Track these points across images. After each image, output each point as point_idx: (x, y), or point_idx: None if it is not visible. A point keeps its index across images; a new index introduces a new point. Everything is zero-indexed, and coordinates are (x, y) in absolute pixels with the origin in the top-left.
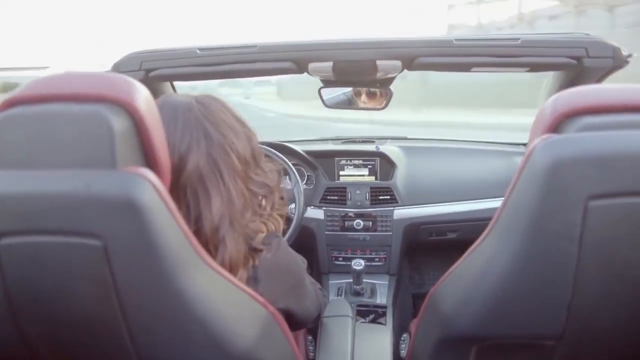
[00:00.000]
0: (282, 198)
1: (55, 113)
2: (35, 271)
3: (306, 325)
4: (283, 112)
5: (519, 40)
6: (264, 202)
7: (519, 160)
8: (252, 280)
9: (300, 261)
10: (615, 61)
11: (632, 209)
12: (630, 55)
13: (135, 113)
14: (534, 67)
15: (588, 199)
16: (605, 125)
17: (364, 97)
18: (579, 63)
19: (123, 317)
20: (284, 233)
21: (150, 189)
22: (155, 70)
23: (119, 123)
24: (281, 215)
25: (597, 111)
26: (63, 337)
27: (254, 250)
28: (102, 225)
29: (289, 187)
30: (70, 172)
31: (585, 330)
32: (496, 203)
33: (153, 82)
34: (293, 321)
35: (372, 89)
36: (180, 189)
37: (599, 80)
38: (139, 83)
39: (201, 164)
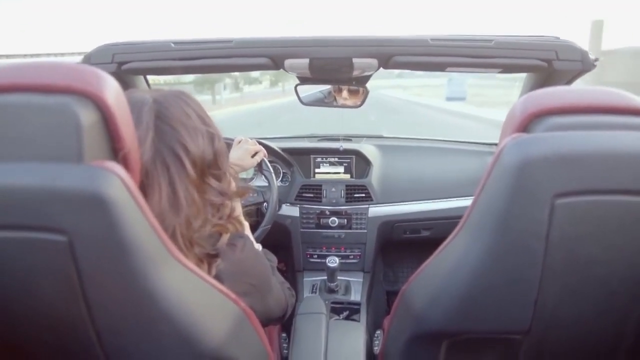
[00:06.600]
0: (243, 197)
1: (20, 103)
2: None
3: (266, 325)
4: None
5: (493, 42)
6: (221, 211)
7: (490, 159)
8: (215, 281)
9: (267, 261)
10: (583, 64)
11: (595, 207)
12: (597, 59)
13: (104, 106)
14: (507, 69)
15: (554, 197)
16: (572, 126)
17: (345, 93)
18: (549, 65)
19: (89, 315)
20: (256, 228)
21: (119, 184)
22: (128, 64)
23: (86, 116)
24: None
25: (564, 112)
26: (25, 337)
27: (210, 256)
28: (67, 220)
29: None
30: (35, 165)
31: (551, 325)
32: (469, 201)
33: (126, 76)
34: None
35: (353, 87)
36: None
37: (569, 82)
38: (109, 76)
39: (147, 164)
